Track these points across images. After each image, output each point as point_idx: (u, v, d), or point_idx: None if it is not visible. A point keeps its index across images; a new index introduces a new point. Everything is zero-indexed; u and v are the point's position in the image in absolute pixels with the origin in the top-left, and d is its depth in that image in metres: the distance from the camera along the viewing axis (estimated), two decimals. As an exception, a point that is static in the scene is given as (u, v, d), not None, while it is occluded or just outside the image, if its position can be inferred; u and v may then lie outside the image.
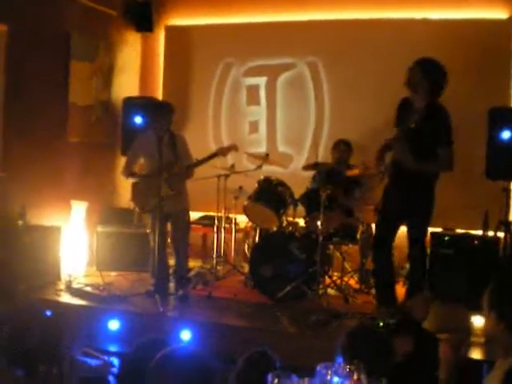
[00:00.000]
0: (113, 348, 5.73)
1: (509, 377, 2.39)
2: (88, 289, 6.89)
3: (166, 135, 6.60)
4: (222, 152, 6.84)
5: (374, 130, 7.80)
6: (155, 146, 6.57)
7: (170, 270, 6.96)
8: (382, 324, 4.64)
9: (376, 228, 6.31)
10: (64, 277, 7.17)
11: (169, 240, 7.00)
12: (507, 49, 7.93)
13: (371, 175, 6.91)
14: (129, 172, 6.77)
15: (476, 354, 5.12)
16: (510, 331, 2.77)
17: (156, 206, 6.47)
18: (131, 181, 6.80)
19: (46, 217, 7.39)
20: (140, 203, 6.74)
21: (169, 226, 6.93)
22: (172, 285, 6.88)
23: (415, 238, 5.94)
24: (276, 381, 2.50)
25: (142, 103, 8.53)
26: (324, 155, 7.99)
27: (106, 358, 5.27)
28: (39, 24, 7.43)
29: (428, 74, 5.76)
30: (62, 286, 6.95)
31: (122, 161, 8.70)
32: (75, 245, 7.68)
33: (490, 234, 7.05)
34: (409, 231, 6.00)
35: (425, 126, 5.71)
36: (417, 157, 5.68)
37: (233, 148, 6.95)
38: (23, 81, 7.30)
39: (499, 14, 7.99)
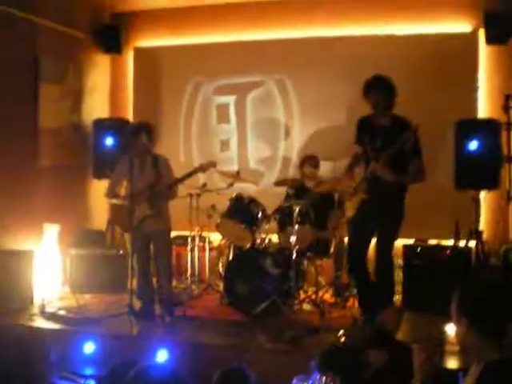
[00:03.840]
0: (89, 371, 5.68)
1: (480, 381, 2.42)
2: (62, 312, 6.81)
3: (148, 157, 6.64)
4: (201, 169, 6.82)
5: (343, 145, 7.88)
6: (136, 167, 6.60)
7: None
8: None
9: (349, 242, 6.32)
10: (38, 301, 7.11)
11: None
12: (472, 61, 8.08)
13: (342, 190, 6.99)
14: (112, 194, 6.75)
15: (451, 363, 5.15)
16: (480, 336, 2.82)
17: (138, 226, 6.49)
18: (114, 202, 6.78)
19: (18, 241, 7.34)
20: (122, 223, 6.70)
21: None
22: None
23: (384, 249, 5.98)
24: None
25: (113, 124, 8.55)
26: (294, 171, 8.06)
27: (82, 381, 5.26)
28: (8, 47, 7.43)
29: (379, 91, 5.89)
30: (36, 311, 6.87)
31: (94, 182, 8.76)
32: (48, 268, 7.63)
33: (462, 243, 7.12)
34: (378, 243, 6.05)
35: (395, 141, 5.78)
36: (392, 170, 5.78)
37: (211, 165, 6.91)
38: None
39: (463, 27, 8.14)
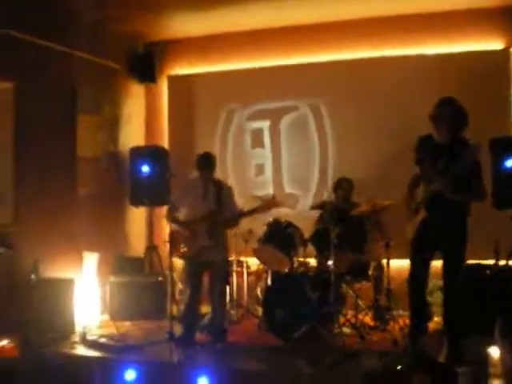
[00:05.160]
0: (130, 398, 5.71)
1: None
2: (103, 340, 6.85)
3: (211, 184, 6.68)
4: (267, 207, 6.63)
5: (377, 167, 7.89)
6: (199, 194, 6.66)
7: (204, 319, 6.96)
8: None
9: (412, 262, 6.08)
10: (78, 329, 7.18)
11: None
12: (505, 78, 8.06)
13: (379, 211, 7.00)
14: (172, 218, 6.77)
15: (496, 386, 5.08)
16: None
17: (195, 255, 6.53)
18: (173, 227, 6.79)
19: (58, 269, 7.42)
20: (179, 249, 6.72)
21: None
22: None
23: (455, 269, 5.92)
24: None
25: (149, 152, 8.65)
26: (330, 194, 8.06)
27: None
28: (46, 79, 7.58)
29: (456, 113, 5.85)
30: (77, 338, 6.93)
31: (132, 210, 8.84)
32: (88, 296, 7.70)
33: (502, 263, 7.04)
34: (447, 263, 5.92)
35: (456, 160, 5.74)
36: (454, 189, 5.74)
37: (279, 204, 6.73)
38: (32, 136, 7.42)
39: (494, 45, 8.13)
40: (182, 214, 6.73)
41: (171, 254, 6.62)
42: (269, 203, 6.72)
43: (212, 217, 6.53)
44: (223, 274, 6.76)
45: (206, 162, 6.70)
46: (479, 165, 5.80)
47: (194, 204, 6.63)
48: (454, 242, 5.83)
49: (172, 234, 6.63)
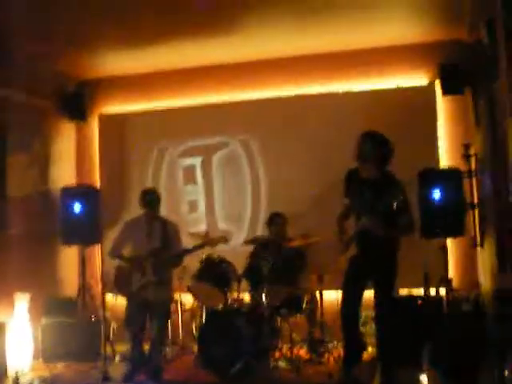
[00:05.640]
0: None
1: None
2: (36, 383, 6.72)
3: (156, 221, 6.68)
4: (210, 243, 6.84)
5: (309, 201, 7.99)
6: (144, 232, 6.63)
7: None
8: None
9: (343, 295, 6.17)
10: (11, 373, 7.01)
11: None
12: (431, 113, 8.28)
13: (311, 245, 7.09)
14: (117, 254, 6.75)
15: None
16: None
17: (137, 291, 6.48)
18: (117, 263, 6.76)
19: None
20: (122, 287, 6.66)
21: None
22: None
23: (386, 301, 6.00)
24: None
25: (80, 192, 8.57)
26: (263, 229, 8.13)
27: None
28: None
29: (378, 146, 5.98)
30: (10, 383, 6.77)
31: (63, 250, 8.71)
32: (20, 338, 7.53)
33: (432, 291, 7.18)
34: (378, 295, 6.02)
35: (384, 196, 5.85)
36: (383, 225, 5.84)
37: (222, 240, 6.94)
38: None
39: (420, 80, 8.38)
40: (126, 252, 6.71)
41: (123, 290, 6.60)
42: (214, 239, 6.80)
43: (156, 254, 6.51)
44: (164, 313, 6.71)
45: (151, 198, 6.73)
46: (406, 200, 5.95)
47: (139, 241, 6.62)
48: (384, 277, 5.96)
49: (118, 271, 6.62)
